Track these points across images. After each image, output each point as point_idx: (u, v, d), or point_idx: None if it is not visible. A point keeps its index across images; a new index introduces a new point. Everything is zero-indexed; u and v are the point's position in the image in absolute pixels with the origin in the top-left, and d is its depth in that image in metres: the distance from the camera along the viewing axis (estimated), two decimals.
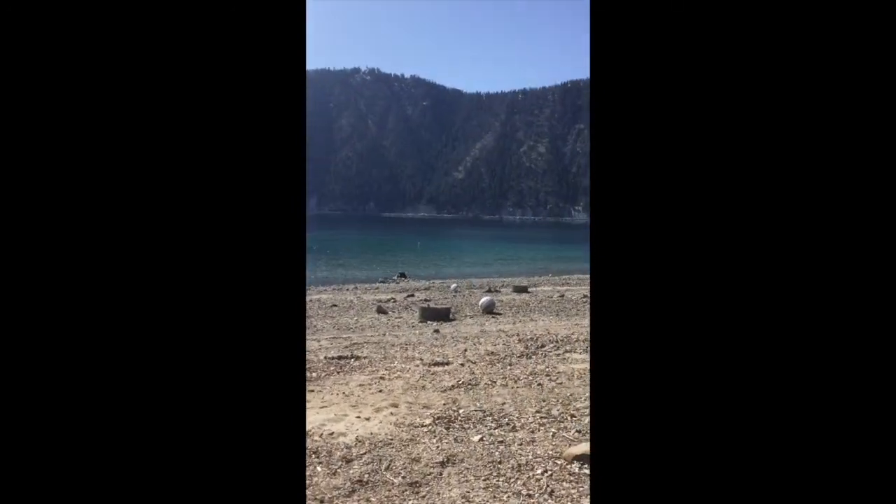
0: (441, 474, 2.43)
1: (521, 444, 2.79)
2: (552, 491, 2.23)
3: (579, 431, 3.04)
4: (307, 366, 4.82)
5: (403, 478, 2.39)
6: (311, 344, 6.32)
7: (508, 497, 2.21)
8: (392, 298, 11.86)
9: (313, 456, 2.65)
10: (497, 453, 2.66)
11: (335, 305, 10.57)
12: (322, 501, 2.18)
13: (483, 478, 2.39)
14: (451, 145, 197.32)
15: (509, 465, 2.50)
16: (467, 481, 2.36)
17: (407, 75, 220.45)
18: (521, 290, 13.25)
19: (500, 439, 2.87)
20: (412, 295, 12.62)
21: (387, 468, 2.50)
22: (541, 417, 3.31)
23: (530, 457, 2.60)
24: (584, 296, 11.54)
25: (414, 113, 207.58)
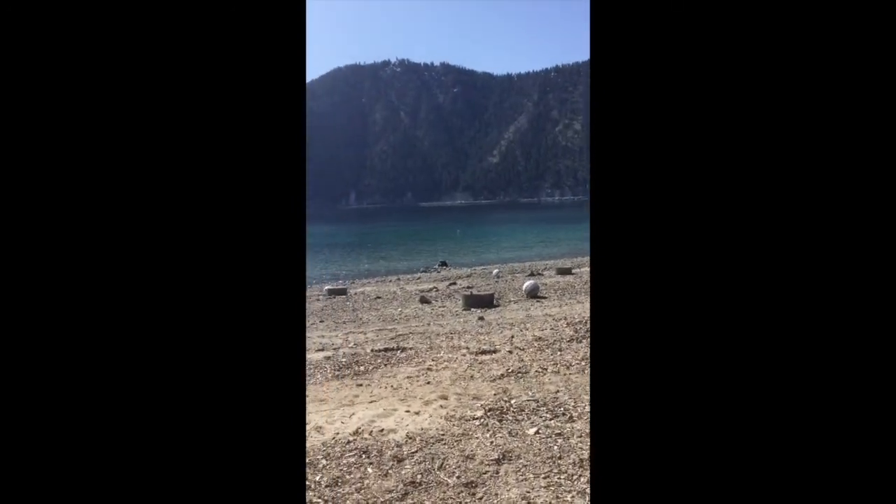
0: (497, 472, 2.29)
1: (580, 437, 2.62)
2: None
3: None
4: (355, 359, 4.78)
5: (458, 478, 2.27)
6: (358, 336, 6.31)
7: (573, 497, 2.05)
8: (434, 287, 11.81)
9: (364, 456, 2.56)
10: (556, 447, 2.50)
11: (379, 297, 10.60)
12: None
13: (543, 475, 2.23)
14: (484, 130, 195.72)
15: (570, 461, 2.34)
16: (526, 480, 2.21)
17: (437, 63, 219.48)
18: (564, 271, 12.93)
19: (557, 431, 2.71)
20: (454, 283, 12.53)
21: (440, 467, 2.38)
22: None
23: None
24: None
25: (445, 100, 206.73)
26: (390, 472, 2.37)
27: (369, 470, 2.41)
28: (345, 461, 2.52)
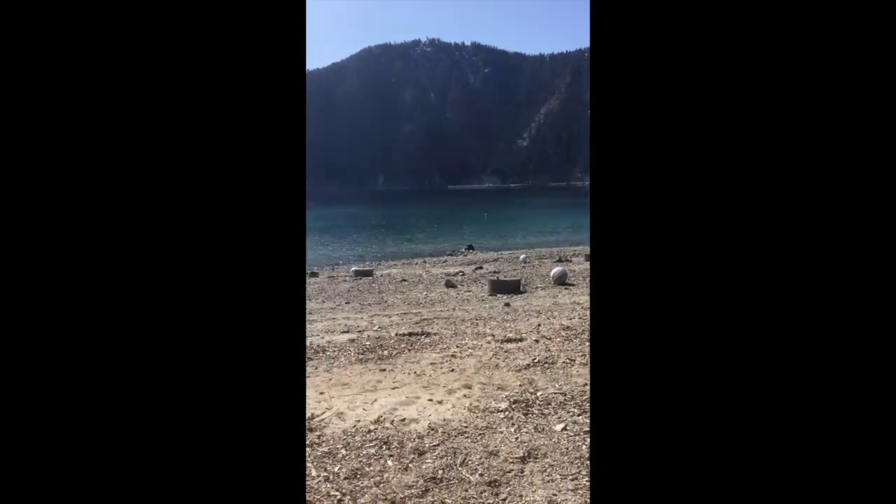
0: (522, 472, 2.19)
1: None
2: None
3: None
4: (380, 343, 4.74)
5: (481, 475, 2.18)
6: (382, 320, 6.29)
7: None
8: (460, 272, 11.71)
9: (384, 447, 2.50)
10: (584, 446, 2.38)
11: (404, 280, 10.57)
12: (393, 503, 2.01)
13: (571, 477, 2.12)
14: (515, 112, 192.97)
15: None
16: (552, 481, 2.10)
17: (467, 43, 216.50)
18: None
19: (585, 428, 2.59)
20: (480, 267, 12.41)
21: (462, 463, 2.30)
22: None
23: None
24: None
25: (476, 81, 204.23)
26: (411, 465, 2.30)
27: (389, 463, 2.34)
28: (364, 452, 2.45)
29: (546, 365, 3.84)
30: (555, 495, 2.00)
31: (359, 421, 2.86)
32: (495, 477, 2.16)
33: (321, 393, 3.38)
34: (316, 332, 5.56)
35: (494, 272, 11.20)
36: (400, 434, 2.65)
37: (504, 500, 2.00)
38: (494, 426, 2.70)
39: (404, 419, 2.86)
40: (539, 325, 5.25)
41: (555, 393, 3.20)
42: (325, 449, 2.50)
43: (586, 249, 15.30)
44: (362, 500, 2.04)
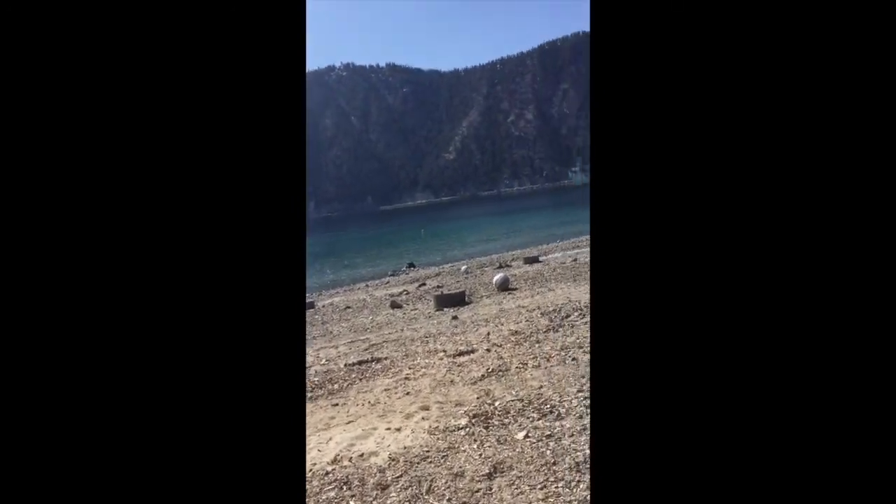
0: (490, 489, 2.13)
1: (572, 436, 2.49)
2: None
3: None
4: (328, 377, 4.55)
5: (448, 500, 2.10)
6: (329, 352, 6.05)
7: None
8: (404, 290, 11.59)
9: (345, 488, 2.36)
10: (548, 452, 2.36)
11: (348, 307, 10.31)
12: None
13: (539, 486, 2.08)
14: (438, 127, 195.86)
15: (565, 465, 2.20)
16: (522, 493, 2.05)
17: (382, 64, 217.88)
18: (531, 260, 12.94)
19: (547, 433, 2.57)
20: (423, 284, 12.34)
21: (428, 490, 2.20)
22: (584, 398, 3.01)
23: (587, 450, 2.30)
24: None
25: (395, 101, 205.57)
26: (374, 503, 2.18)
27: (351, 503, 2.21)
28: (324, 497, 2.31)
29: (500, 373, 3.82)
30: None
31: (314, 464, 2.69)
32: (464, 499, 2.08)
33: None
34: None
35: (438, 286, 11.16)
36: (360, 471, 2.51)
37: None
38: (456, 445, 2.63)
39: (363, 454, 2.73)
40: (488, 333, 5.24)
41: (512, 400, 3.17)
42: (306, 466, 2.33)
43: (524, 252, 15.63)
44: None
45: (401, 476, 2.38)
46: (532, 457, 2.34)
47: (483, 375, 3.82)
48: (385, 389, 3.92)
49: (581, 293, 6.79)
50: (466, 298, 8.59)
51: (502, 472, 2.25)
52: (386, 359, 4.90)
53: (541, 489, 2.06)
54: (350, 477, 2.46)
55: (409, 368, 4.40)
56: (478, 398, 3.32)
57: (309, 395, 4.11)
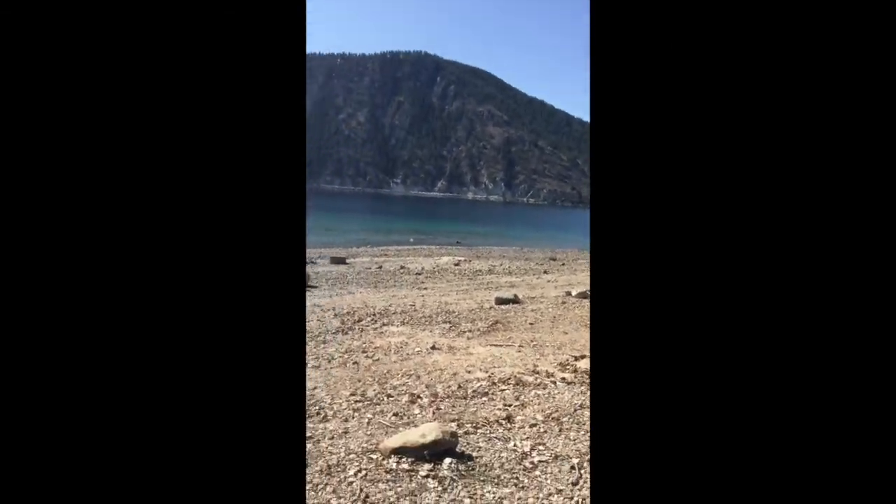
0: None
1: (332, 439, 2.46)
2: (366, 496, 1.94)
3: (396, 415, 2.82)
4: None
5: None
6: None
7: None
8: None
9: None
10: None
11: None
12: None
13: None
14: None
15: (317, 468, 2.15)
16: None
17: None
18: (338, 261, 12.78)
19: (308, 435, 2.49)
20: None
21: None
22: (355, 401, 3.02)
23: (342, 454, 2.29)
24: (402, 267, 11.61)
25: None
26: None
27: None
28: None
29: None
30: None
31: None
32: None
33: None
34: None
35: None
36: None
37: None
38: None
39: None
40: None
41: None
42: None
43: (332, 251, 15.33)
44: None
45: None
46: None
47: None
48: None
49: (378, 300, 6.91)
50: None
51: None
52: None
53: None
54: None
55: None
56: None
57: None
